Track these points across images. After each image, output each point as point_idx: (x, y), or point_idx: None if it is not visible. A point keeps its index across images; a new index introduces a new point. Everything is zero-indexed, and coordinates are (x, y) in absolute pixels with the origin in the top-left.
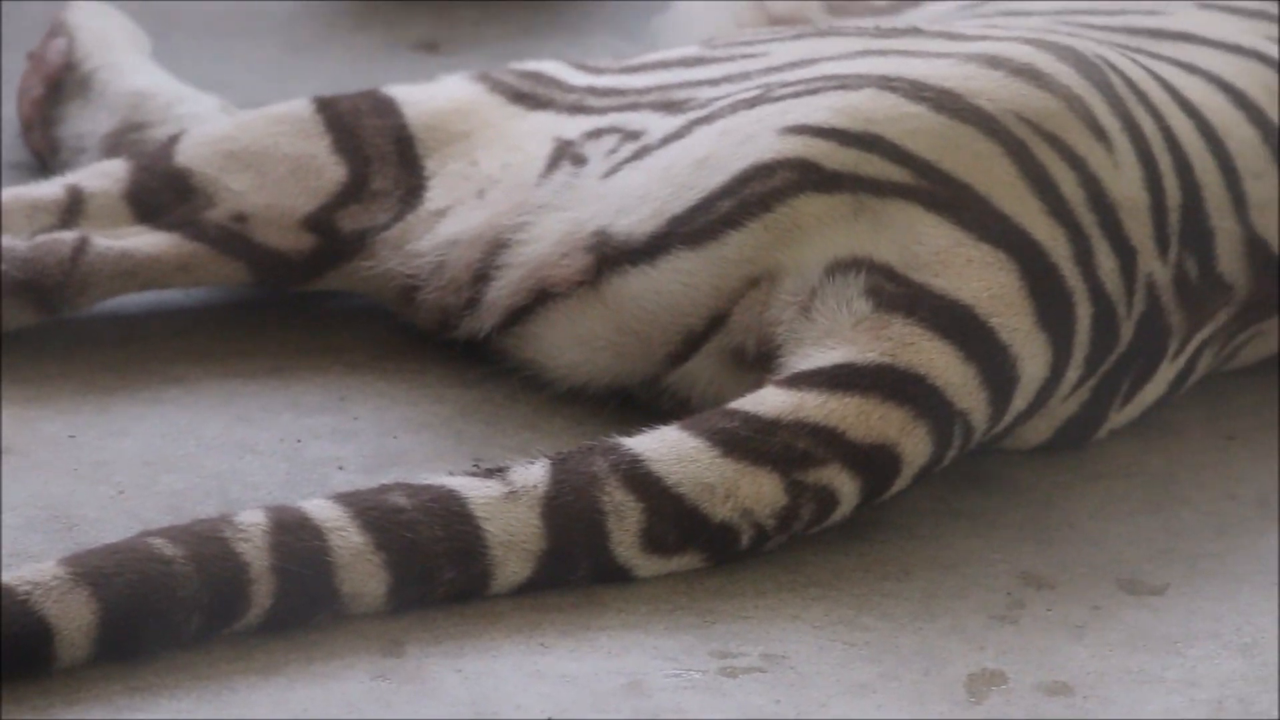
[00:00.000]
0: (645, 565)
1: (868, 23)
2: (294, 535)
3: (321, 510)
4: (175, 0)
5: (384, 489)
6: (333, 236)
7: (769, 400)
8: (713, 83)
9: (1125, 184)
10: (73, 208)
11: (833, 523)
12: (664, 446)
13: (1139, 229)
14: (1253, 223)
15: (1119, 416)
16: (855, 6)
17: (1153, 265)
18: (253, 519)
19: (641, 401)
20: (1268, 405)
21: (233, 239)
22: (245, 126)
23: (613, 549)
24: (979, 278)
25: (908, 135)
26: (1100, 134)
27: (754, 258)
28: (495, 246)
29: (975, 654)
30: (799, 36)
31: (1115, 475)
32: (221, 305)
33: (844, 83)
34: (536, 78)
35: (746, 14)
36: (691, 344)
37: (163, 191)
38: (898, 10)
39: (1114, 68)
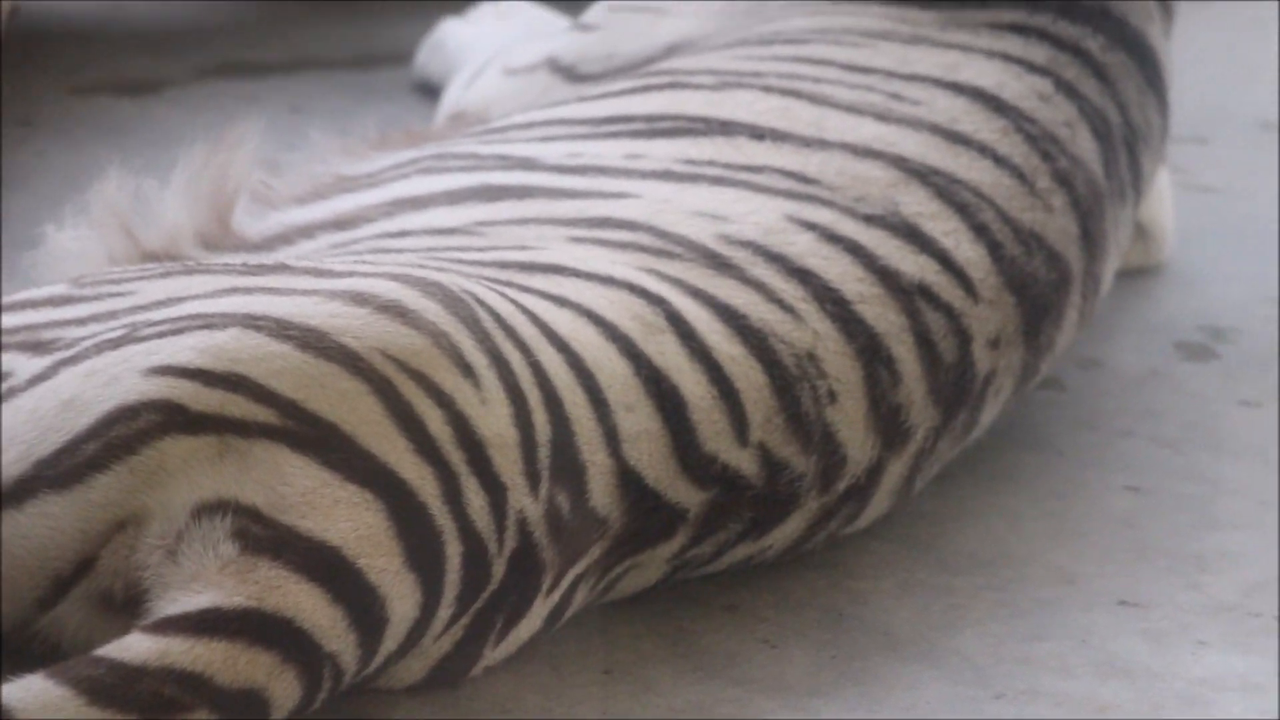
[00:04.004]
0: None
1: (236, 259)
2: None
3: None
4: None
5: None
6: None
7: (135, 646)
8: (80, 322)
9: (494, 421)
10: None
11: None
12: (29, 695)
13: (509, 465)
14: (625, 455)
15: (494, 653)
16: (229, 240)
17: (524, 501)
18: None
19: (13, 647)
20: (646, 637)
21: None
22: None
23: None
24: (346, 518)
25: (272, 375)
26: (468, 370)
27: (120, 501)
28: None
29: None
30: (167, 274)
31: (490, 713)
32: None
33: (209, 322)
34: None
35: (119, 249)
36: (60, 588)
37: None
38: (271, 246)
39: (481, 303)
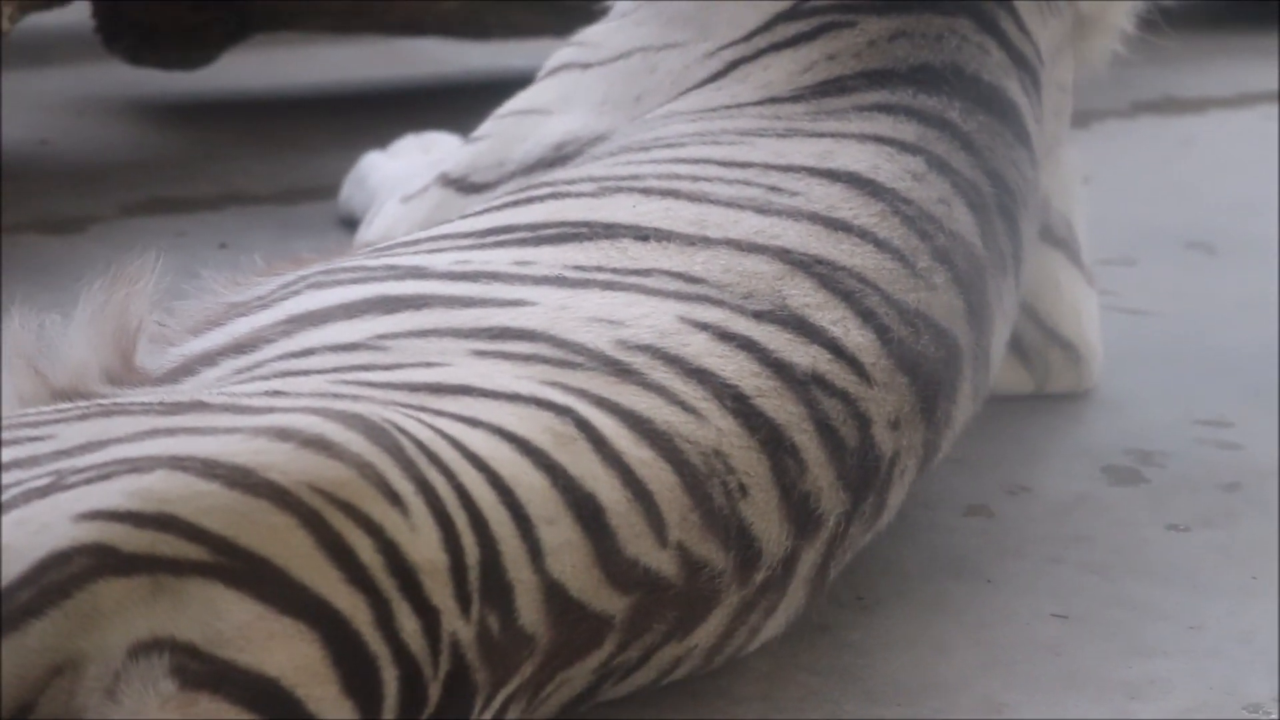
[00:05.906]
0: None
1: (152, 398)
2: None
3: None
4: None
5: None
6: None
7: None
8: (1, 468)
9: (423, 546)
10: None
11: None
12: None
13: (440, 590)
14: (549, 569)
15: None
16: (133, 376)
17: (456, 624)
18: None
19: None
20: None
21: None
22: None
23: None
24: (283, 650)
25: (202, 513)
26: (395, 499)
27: (57, 646)
28: None
29: None
30: (84, 416)
31: None
32: None
33: (135, 466)
34: None
35: (29, 388)
36: None
37: None
38: (175, 379)
39: (402, 430)
